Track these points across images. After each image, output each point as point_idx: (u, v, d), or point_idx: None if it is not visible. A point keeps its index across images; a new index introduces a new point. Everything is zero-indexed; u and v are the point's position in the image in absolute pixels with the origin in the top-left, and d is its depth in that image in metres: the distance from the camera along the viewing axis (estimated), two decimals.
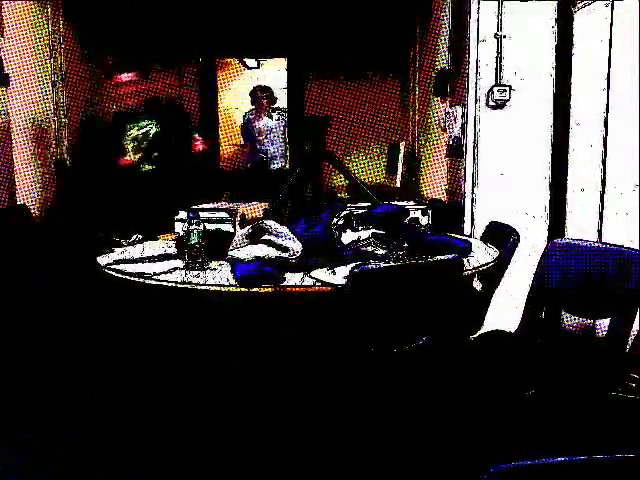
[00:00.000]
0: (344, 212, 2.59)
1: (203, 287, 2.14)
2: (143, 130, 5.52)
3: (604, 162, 3.42)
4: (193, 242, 2.36)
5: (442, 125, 4.34)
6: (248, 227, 2.55)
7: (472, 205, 3.71)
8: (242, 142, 6.66)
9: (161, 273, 2.28)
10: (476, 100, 3.62)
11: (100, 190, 5.49)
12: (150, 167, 5.56)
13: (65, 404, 2.92)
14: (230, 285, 2.14)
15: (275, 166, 6.49)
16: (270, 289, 2.11)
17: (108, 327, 3.54)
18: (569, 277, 2.44)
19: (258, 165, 6.41)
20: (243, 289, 2.11)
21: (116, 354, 3.37)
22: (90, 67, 5.76)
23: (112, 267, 2.41)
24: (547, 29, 3.58)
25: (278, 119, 6.56)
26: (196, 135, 5.91)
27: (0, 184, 3.99)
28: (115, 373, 3.20)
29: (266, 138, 6.50)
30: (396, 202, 3.11)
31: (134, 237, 2.98)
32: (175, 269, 2.35)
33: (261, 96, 6.47)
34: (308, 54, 6.02)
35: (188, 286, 2.15)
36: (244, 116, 6.66)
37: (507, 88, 3.57)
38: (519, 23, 3.56)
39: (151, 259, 2.53)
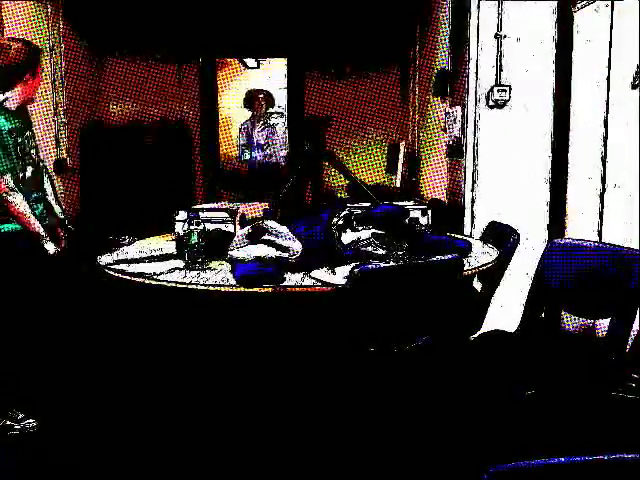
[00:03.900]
0: (344, 212, 2.59)
1: (203, 287, 2.14)
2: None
3: (604, 162, 3.42)
4: (193, 242, 2.36)
5: (442, 125, 4.34)
6: (248, 227, 2.55)
7: (472, 205, 3.71)
8: (240, 155, 6.44)
9: (161, 273, 2.28)
10: (476, 100, 3.62)
11: (102, 191, 5.51)
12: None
13: (65, 403, 2.92)
14: (230, 285, 2.14)
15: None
16: (270, 289, 2.11)
17: (108, 327, 3.54)
18: (569, 277, 2.43)
19: (262, 165, 6.35)
20: (243, 289, 2.11)
21: (116, 354, 3.37)
22: (89, 66, 5.76)
23: (112, 267, 2.41)
24: (547, 29, 3.58)
25: (277, 121, 6.48)
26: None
27: None
28: (115, 372, 3.20)
29: (270, 143, 6.32)
30: (396, 202, 3.11)
31: (128, 238, 2.99)
32: (175, 269, 2.35)
33: (259, 99, 6.29)
34: (308, 54, 6.01)
35: (188, 286, 2.16)
36: (239, 129, 6.42)
37: (507, 88, 3.57)
38: (519, 23, 3.56)
39: (151, 259, 2.53)
